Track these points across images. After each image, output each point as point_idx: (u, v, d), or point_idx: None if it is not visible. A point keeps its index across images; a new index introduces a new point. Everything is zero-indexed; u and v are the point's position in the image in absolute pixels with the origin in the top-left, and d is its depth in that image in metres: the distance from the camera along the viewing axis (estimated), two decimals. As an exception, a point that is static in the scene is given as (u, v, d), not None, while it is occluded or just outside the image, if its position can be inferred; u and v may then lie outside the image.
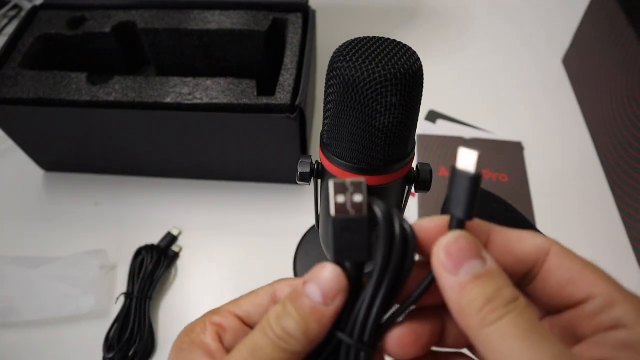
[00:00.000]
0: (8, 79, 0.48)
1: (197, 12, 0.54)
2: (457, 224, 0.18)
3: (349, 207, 0.18)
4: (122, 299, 0.46)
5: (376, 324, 0.19)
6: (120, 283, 0.49)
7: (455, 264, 0.17)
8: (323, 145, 0.30)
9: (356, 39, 0.27)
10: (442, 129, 0.62)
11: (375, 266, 0.18)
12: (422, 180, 0.31)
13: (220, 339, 0.21)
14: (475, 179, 0.18)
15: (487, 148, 0.60)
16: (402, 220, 0.18)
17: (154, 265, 0.48)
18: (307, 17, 0.54)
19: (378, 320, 0.19)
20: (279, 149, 0.51)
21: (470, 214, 0.18)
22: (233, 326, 0.21)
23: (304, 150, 0.52)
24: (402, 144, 0.28)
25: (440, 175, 0.57)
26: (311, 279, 0.19)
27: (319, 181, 0.33)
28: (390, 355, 0.20)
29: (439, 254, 0.18)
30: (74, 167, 0.58)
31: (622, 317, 0.17)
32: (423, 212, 0.54)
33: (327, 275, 0.19)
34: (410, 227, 0.19)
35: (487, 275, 0.17)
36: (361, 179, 0.18)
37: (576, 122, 0.63)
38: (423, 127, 0.62)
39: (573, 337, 0.18)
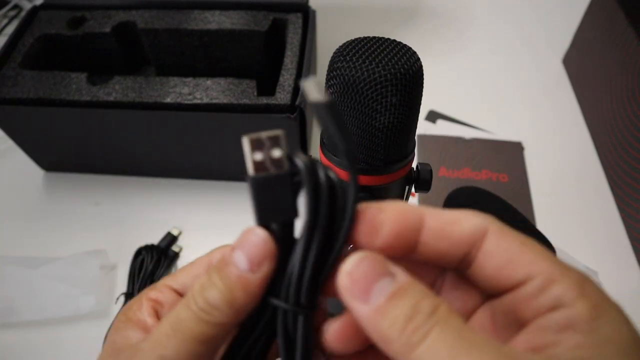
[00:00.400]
0: (8, 79, 0.48)
1: (197, 12, 0.54)
2: (345, 152, 0.17)
3: (267, 164, 0.17)
4: (122, 299, 0.46)
5: (312, 284, 0.17)
6: (121, 283, 0.49)
7: (363, 291, 0.16)
8: (323, 145, 0.30)
9: (356, 39, 0.27)
10: (442, 129, 0.62)
11: (304, 221, 0.17)
12: (422, 180, 0.31)
13: (157, 314, 0.20)
14: (331, 104, 0.17)
15: (487, 148, 0.60)
16: (327, 169, 0.17)
17: (154, 265, 0.48)
18: (307, 17, 0.54)
19: (314, 280, 0.17)
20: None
21: (347, 141, 0.17)
22: (169, 300, 0.21)
23: (304, 150, 0.52)
24: (402, 144, 0.28)
25: (440, 175, 0.57)
26: (238, 245, 0.18)
27: None
28: (329, 350, 0.19)
29: (344, 282, 0.16)
30: (74, 167, 0.58)
31: (561, 296, 0.16)
32: (423, 212, 0.54)
33: (253, 239, 0.17)
34: (337, 175, 0.17)
35: (400, 292, 0.16)
36: (278, 130, 0.17)
37: (576, 122, 0.63)
38: (423, 127, 0.62)
39: (516, 322, 0.17)
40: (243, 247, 0.18)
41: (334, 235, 0.17)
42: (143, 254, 0.49)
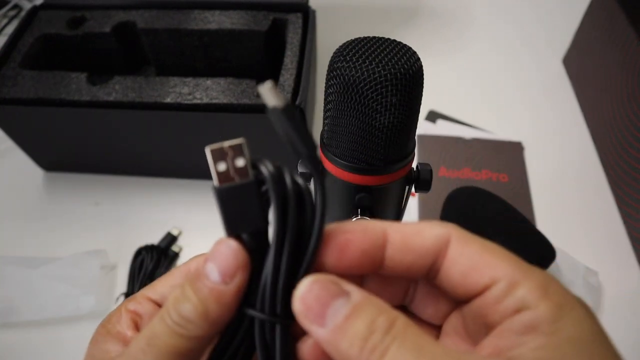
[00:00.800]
0: (8, 79, 0.48)
1: (197, 12, 0.54)
2: (308, 158, 0.17)
3: (232, 173, 0.17)
4: (122, 299, 0.46)
5: (286, 293, 0.17)
6: (120, 283, 0.49)
7: (318, 315, 0.16)
8: (323, 145, 0.30)
9: (356, 39, 0.27)
10: (442, 129, 0.62)
11: (274, 230, 0.17)
12: (422, 180, 0.31)
13: (137, 326, 0.20)
14: (287, 108, 0.16)
15: (487, 148, 0.60)
16: (294, 175, 0.17)
17: (154, 265, 0.48)
18: (307, 17, 0.54)
19: (288, 289, 0.17)
20: (279, 149, 0.51)
21: (310, 145, 0.17)
22: (148, 311, 0.20)
23: (304, 150, 0.52)
24: (402, 143, 0.28)
25: (440, 175, 0.57)
26: (210, 257, 0.18)
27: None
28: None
29: (298, 308, 0.16)
30: (74, 167, 0.58)
31: (524, 298, 0.16)
32: (423, 212, 0.54)
33: (224, 251, 0.17)
34: (304, 182, 0.17)
35: (355, 311, 0.16)
36: (240, 139, 0.16)
37: (576, 122, 0.63)
38: (423, 127, 0.62)
39: (485, 326, 0.17)
40: (215, 259, 0.17)
41: (305, 243, 0.17)
42: (143, 254, 0.49)
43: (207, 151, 0.16)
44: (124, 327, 0.20)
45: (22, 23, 0.53)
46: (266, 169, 0.17)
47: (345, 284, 0.17)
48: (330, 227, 0.18)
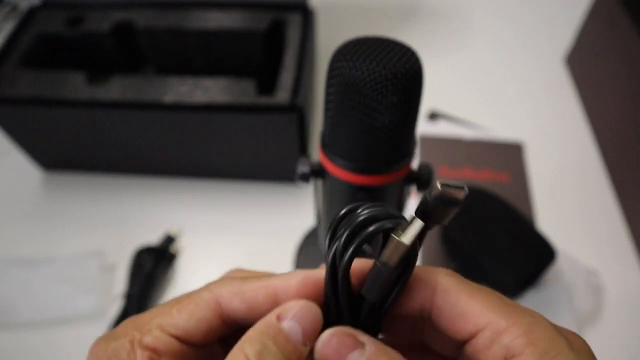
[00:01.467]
0: (6, 78, 0.48)
1: (196, 12, 0.53)
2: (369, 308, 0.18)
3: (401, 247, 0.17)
4: (121, 300, 0.46)
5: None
6: (120, 283, 0.49)
7: None
8: (323, 145, 0.30)
9: (356, 39, 0.26)
10: (442, 128, 0.62)
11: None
12: (422, 181, 0.31)
13: None
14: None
15: (488, 148, 0.60)
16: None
17: (153, 266, 0.48)
18: (307, 16, 0.54)
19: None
20: (279, 149, 0.51)
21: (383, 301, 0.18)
22: (171, 348, 0.18)
23: (303, 150, 0.51)
24: (403, 143, 0.28)
25: (440, 175, 0.57)
26: (295, 316, 0.18)
27: (319, 181, 0.32)
28: None
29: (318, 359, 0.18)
30: (74, 166, 0.58)
31: (511, 345, 0.16)
32: (423, 212, 0.54)
33: (309, 315, 0.18)
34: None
35: None
36: (417, 221, 0.17)
37: (578, 122, 0.63)
38: (423, 127, 0.62)
39: None
40: (300, 319, 0.18)
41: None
42: (142, 254, 0.48)
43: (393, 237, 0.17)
44: None
45: (20, 22, 0.53)
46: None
47: (360, 335, 0.18)
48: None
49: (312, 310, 0.18)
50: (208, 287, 0.20)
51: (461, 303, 0.17)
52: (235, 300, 0.19)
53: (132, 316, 0.19)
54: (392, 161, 0.28)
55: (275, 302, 0.19)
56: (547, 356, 0.16)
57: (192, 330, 0.19)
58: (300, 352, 0.17)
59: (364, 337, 0.18)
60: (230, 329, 0.20)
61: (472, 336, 0.17)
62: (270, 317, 0.18)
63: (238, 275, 0.20)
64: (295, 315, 0.18)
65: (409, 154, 0.29)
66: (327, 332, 0.18)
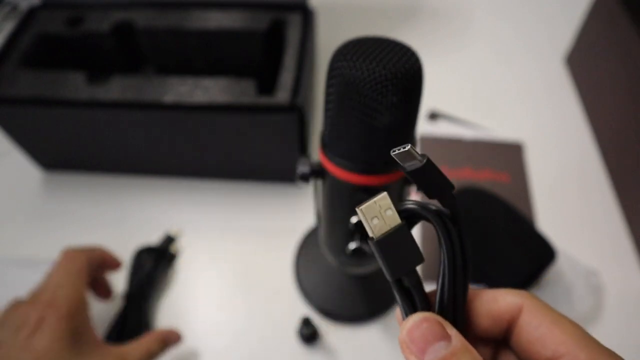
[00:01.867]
0: (6, 78, 0.48)
1: (196, 12, 0.53)
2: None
3: (383, 223, 0.18)
4: (120, 301, 0.46)
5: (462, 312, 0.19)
6: (119, 284, 0.49)
7: (419, 349, 0.18)
8: (323, 145, 0.30)
9: (356, 39, 0.26)
10: (442, 128, 0.62)
11: (443, 256, 0.19)
12: None
13: None
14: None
15: (488, 148, 0.60)
16: (434, 205, 0.18)
17: (153, 265, 0.48)
18: (307, 16, 0.54)
19: (462, 309, 0.19)
20: (279, 149, 0.51)
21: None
22: None
23: (303, 150, 0.51)
24: (403, 143, 0.28)
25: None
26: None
27: (319, 181, 0.32)
28: None
29: (404, 338, 0.18)
30: (74, 166, 0.58)
31: None
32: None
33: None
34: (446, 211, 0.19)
35: (452, 355, 0.17)
36: (382, 193, 0.18)
37: (578, 122, 0.63)
38: (423, 127, 0.62)
39: None
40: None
41: (468, 254, 0.19)
42: (142, 255, 0.48)
43: (359, 212, 0.18)
44: None
45: (20, 22, 0.53)
46: (415, 205, 0.18)
47: (449, 328, 0.18)
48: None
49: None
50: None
51: (544, 327, 0.18)
52: None
53: None
54: (392, 161, 0.28)
55: None
56: None
57: None
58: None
59: (452, 330, 0.18)
60: None
61: None
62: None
63: None
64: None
65: None
66: (420, 315, 0.18)
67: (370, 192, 0.29)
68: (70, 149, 0.55)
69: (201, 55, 0.55)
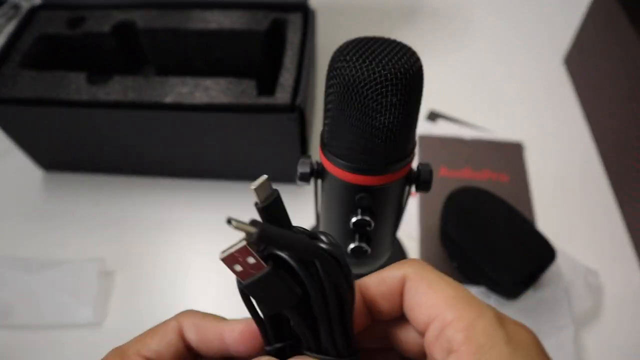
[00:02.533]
0: (7, 78, 0.48)
1: (197, 12, 0.54)
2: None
3: (249, 269, 0.17)
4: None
5: (346, 338, 0.19)
6: (118, 290, 0.49)
7: None
8: (323, 145, 0.30)
9: (356, 39, 0.26)
10: (442, 128, 0.62)
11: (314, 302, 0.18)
12: (422, 181, 0.31)
13: None
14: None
15: (487, 148, 0.60)
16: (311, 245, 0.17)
17: None
18: (307, 17, 0.54)
19: (347, 335, 0.19)
20: (279, 149, 0.51)
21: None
22: None
23: (304, 150, 0.52)
24: (402, 144, 0.28)
25: (440, 175, 0.57)
26: None
27: (319, 181, 0.33)
28: None
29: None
30: (74, 167, 0.58)
31: (451, 340, 0.16)
32: (423, 211, 0.54)
33: None
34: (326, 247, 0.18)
35: None
36: (241, 241, 0.17)
37: (577, 122, 0.63)
38: (423, 127, 0.62)
39: None
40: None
41: (345, 297, 0.18)
42: None
43: (221, 260, 0.17)
44: None
45: (21, 22, 0.53)
46: (286, 255, 0.17)
47: None
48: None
49: None
50: (176, 316, 0.22)
51: (420, 291, 0.18)
52: (192, 331, 0.21)
53: (115, 347, 0.21)
54: (392, 161, 0.28)
55: (222, 341, 0.21)
56: (480, 351, 0.16)
57: (163, 352, 0.21)
58: None
59: None
60: (194, 356, 0.21)
61: (425, 326, 0.17)
62: (208, 325, 0.21)
63: (195, 315, 0.22)
64: None
65: (409, 154, 0.29)
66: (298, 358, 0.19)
67: (370, 192, 0.29)
68: (70, 150, 0.55)
69: (201, 55, 0.55)
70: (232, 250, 0.17)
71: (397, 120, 0.26)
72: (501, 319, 0.17)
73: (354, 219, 0.31)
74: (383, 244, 0.36)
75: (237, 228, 0.16)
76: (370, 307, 0.20)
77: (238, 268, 0.17)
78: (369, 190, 0.29)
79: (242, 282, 0.17)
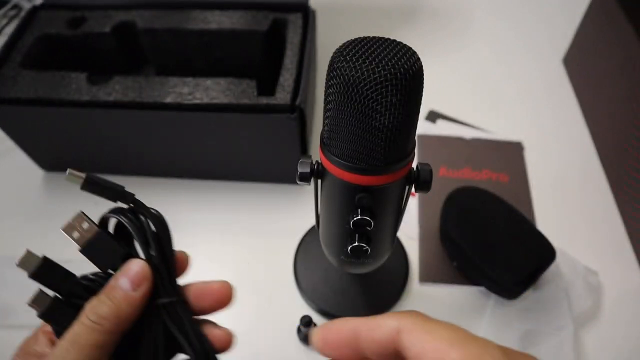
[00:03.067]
0: (8, 79, 0.48)
1: (197, 12, 0.54)
2: None
3: (84, 234, 0.25)
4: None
5: (173, 280, 0.27)
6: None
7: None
8: (323, 145, 0.30)
9: (356, 39, 0.27)
10: (442, 129, 0.62)
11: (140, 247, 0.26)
12: (422, 181, 0.31)
13: (53, 344, 0.24)
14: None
15: (487, 148, 0.60)
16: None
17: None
18: (307, 17, 0.54)
19: (172, 278, 0.27)
20: (279, 149, 0.51)
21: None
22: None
23: (304, 150, 0.52)
24: (402, 144, 0.28)
25: (440, 175, 0.57)
26: (122, 273, 0.25)
27: (319, 181, 0.33)
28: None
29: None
30: (74, 167, 0.58)
31: None
32: (423, 212, 0.54)
33: (133, 267, 0.25)
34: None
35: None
36: (78, 212, 0.26)
37: (576, 122, 0.63)
38: (423, 127, 0.62)
39: None
40: (126, 274, 0.25)
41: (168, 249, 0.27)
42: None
43: (62, 230, 0.25)
44: (42, 346, 0.25)
45: (22, 23, 0.53)
46: (108, 213, 0.27)
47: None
48: (316, 329, 0.23)
49: (139, 266, 0.25)
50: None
51: (420, 340, 0.19)
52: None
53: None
54: (392, 161, 0.28)
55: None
56: None
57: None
58: (130, 297, 0.24)
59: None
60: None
61: None
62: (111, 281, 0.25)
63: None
64: (124, 272, 0.25)
65: (408, 154, 0.29)
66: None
67: (370, 192, 0.30)
68: (70, 150, 0.55)
69: (201, 55, 0.55)
70: (70, 220, 0.25)
71: (397, 121, 0.26)
72: (506, 352, 0.18)
73: (354, 219, 0.31)
74: (383, 244, 0.36)
75: (70, 174, 0.27)
76: (359, 346, 0.21)
77: (76, 235, 0.25)
78: (368, 190, 0.29)
79: (81, 246, 0.25)
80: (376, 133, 0.26)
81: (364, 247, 0.33)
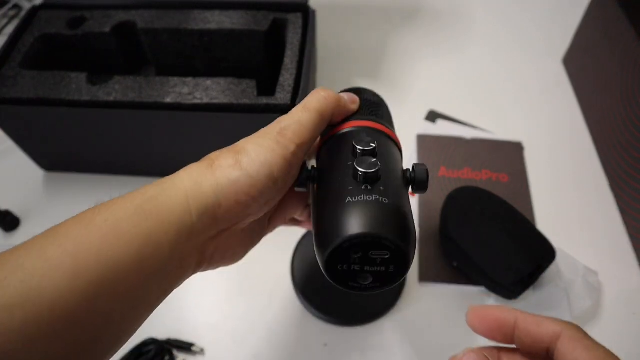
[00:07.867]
0: (8, 79, 0.48)
1: (197, 12, 0.54)
2: None
3: None
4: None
5: None
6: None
7: None
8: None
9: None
10: (442, 129, 0.62)
11: None
12: (418, 181, 0.31)
13: None
14: None
15: (487, 148, 0.60)
16: None
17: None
18: (307, 17, 0.54)
19: None
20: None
21: None
22: None
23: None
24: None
25: (440, 175, 0.57)
26: (343, 96, 0.31)
27: (315, 186, 0.32)
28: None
29: None
30: (74, 167, 0.58)
31: None
32: (423, 211, 0.54)
33: (351, 96, 0.32)
34: None
35: None
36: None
37: (576, 122, 0.63)
38: (423, 127, 0.62)
39: None
40: (346, 95, 0.32)
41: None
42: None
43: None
44: None
45: (22, 23, 0.53)
46: None
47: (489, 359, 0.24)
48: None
49: (351, 96, 0.32)
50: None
51: (577, 353, 0.22)
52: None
53: None
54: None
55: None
56: None
57: None
58: (342, 102, 0.31)
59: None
60: None
61: None
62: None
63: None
64: (344, 96, 0.32)
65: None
66: (469, 349, 0.25)
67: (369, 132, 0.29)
68: (70, 150, 0.55)
69: (201, 55, 0.55)
70: None
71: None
72: None
73: (358, 148, 0.28)
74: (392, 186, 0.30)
75: None
76: (512, 333, 0.24)
77: None
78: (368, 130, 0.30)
79: None
80: None
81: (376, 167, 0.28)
